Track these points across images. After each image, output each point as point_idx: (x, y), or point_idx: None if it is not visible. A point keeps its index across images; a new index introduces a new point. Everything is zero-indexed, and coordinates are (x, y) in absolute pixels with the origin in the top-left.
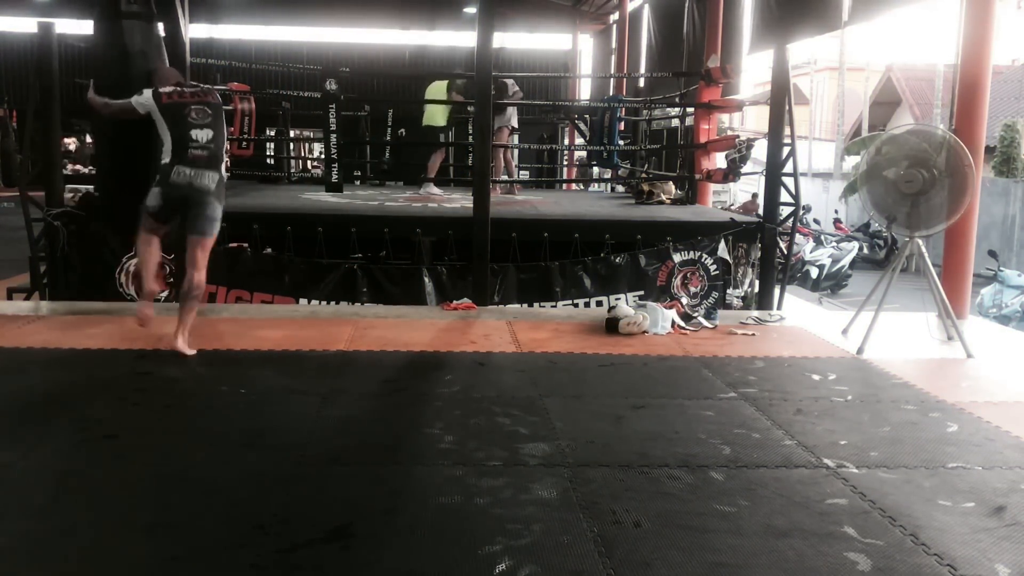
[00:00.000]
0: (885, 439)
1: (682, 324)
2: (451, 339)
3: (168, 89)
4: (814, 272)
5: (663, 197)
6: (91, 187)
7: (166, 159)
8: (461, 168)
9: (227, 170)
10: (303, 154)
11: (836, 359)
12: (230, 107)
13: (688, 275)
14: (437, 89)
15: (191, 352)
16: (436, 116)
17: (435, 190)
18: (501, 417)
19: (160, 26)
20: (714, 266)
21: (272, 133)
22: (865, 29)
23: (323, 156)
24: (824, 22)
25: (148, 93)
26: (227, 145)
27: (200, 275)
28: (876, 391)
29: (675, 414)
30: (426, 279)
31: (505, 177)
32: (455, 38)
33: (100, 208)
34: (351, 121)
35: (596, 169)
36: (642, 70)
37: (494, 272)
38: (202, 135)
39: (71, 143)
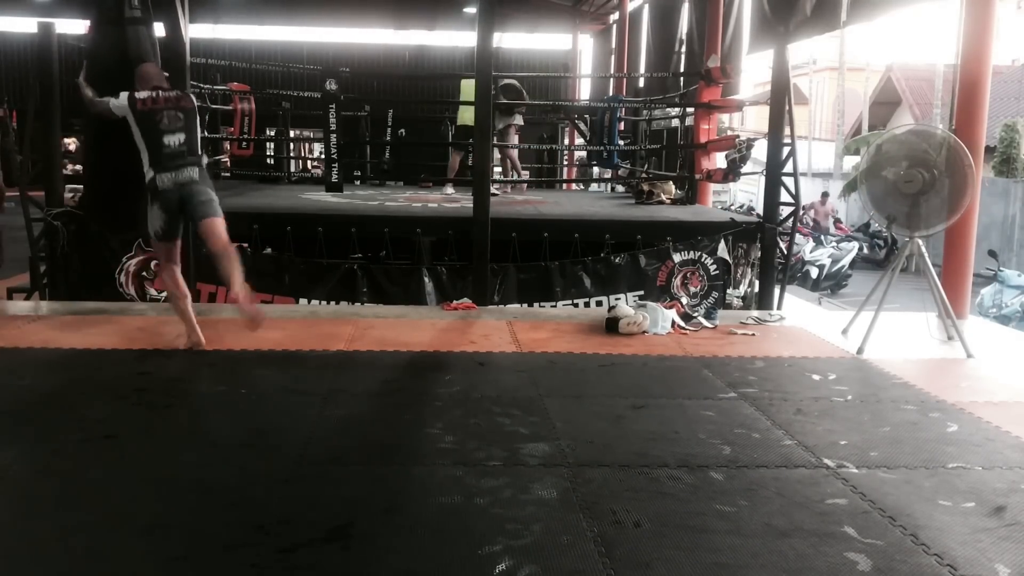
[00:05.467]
0: (885, 439)
1: (682, 324)
2: (451, 339)
3: (144, 95)
4: (814, 272)
5: (663, 197)
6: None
7: (148, 172)
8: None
9: (226, 170)
10: (303, 154)
11: (836, 359)
12: (229, 107)
13: (688, 275)
14: (468, 88)
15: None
16: (470, 116)
17: (450, 190)
18: (501, 417)
19: (159, 26)
20: (714, 266)
21: (272, 133)
22: (865, 29)
23: (323, 156)
24: (823, 22)
25: (124, 97)
26: (228, 145)
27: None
28: (876, 391)
29: (675, 414)
30: (426, 279)
31: (515, 176)
32: (455, 38)
33: (90, 210)
34: (351, 121)
35: (596, 169)
36: (642, 70)
37: (494, 272)
38: (174, 140)
39: (71, 143)
